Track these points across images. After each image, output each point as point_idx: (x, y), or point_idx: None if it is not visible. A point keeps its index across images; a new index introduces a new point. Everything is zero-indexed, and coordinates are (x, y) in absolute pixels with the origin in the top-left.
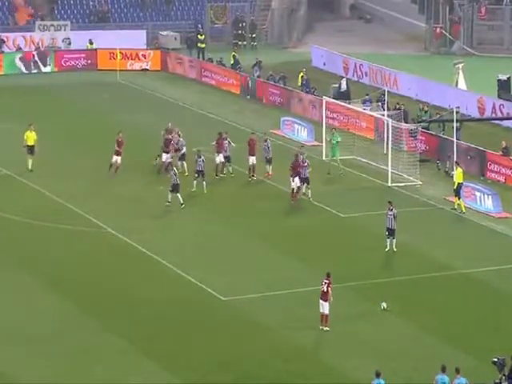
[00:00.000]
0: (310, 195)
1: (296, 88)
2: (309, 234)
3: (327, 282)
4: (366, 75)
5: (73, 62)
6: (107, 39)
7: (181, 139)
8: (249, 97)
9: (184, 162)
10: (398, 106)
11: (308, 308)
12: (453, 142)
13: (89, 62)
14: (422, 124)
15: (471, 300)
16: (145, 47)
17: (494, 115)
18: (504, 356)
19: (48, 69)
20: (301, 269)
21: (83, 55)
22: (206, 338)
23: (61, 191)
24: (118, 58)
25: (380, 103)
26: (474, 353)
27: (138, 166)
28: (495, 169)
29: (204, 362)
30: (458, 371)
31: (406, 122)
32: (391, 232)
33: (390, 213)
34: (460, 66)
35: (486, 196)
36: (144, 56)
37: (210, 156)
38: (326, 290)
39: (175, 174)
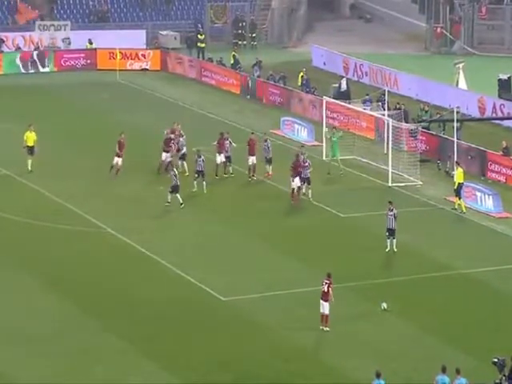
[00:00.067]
0: (310, 195)
1: (296, 88)
2: (309, 234)
3: (328, 282)
4: (366, 75)
5: (72, 62)
6: (107, 39)
7: (181, 139)
8: (249, 97)
9: (184, 162)
10: (398, 106)
11: (308, 308)
12: (453, 141)
13: (88, 61)
14: (422, 124)
15: (471, 300)
16: (144, 47)
17: (494, 115)
18: (504, 356)
19: (47, 69)
20: (301, 269)
21: (83, 55)
22: (206, 338)
23: (60, 191)
24: (118, 57)
25: (380, 103)
26: (474, 353)
27: (137, 166)
28: (496, 169)
29: (204, 362)
30: (458, 372)
31: (407, 122)
32: (391, 232)
33: (391, 213)
34: (460, 65)
35: (486, 196)
36: (144, 56)
37: (209, 156)
38: (326, 291)
39: (175, 176)
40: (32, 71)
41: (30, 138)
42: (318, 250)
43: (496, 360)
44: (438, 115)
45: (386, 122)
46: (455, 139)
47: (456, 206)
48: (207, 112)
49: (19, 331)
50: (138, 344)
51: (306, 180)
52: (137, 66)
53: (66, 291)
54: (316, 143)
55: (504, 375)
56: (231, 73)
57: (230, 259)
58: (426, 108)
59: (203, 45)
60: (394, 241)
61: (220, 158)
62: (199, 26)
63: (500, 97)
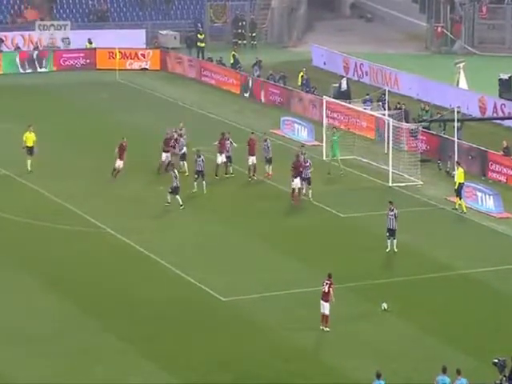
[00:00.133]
0: (310, 195)
1: (296, 87)
2: (309, 234)
3: (328, 282)
4: (367, 75)
5: (72, 62)
6: (106, 38)
7: (181, 139)
8: (248, 96)
9: (184, 162)
10: (398, 106)
11: (308, 308)
12: (454, 141)
13: (88, 61)
14: (422, 124)
15: (472, 301)
16: (144, 46)
17: (495, 115)
18: (504, 357)
19: (47, 68)
20: (301, 269)
21: (82, 54)
22: (206, 338)
23: (60, 191)
24: (117, 57)
25: (381, 103)
26: (475, 354)
27: (137, 166)
28: (496, 169)
29: (204, 362)
30: (459, 372)
31: (407, 122)
32: (392, 232)
33: (391, 213)
34: (461, 65)
35: (487, 196)
36: (143, 55)
37: (209, 156)
38: (327, 291)
39: (176, 177)
40: (31, 71)
41: (30, 138)
42: (318, 250)
43: (496, 360)
44: (439, 115)
45: (386, 121)
46: (456, 139)
47: (457, 206)
48: (207, 112)
49: (19, 331)
50: (137, 344)
51: (306, 180)
52: (136, 65)
53: (66, 291)
54: (316, 143)
55: (504, 376)
56: (231, 72)
57: (230, 259)
58: (427, 108)
59: (203, 44)
60: (395, 241)
61: (221, 158)
62: (199, 25)
63: (501, 96)
